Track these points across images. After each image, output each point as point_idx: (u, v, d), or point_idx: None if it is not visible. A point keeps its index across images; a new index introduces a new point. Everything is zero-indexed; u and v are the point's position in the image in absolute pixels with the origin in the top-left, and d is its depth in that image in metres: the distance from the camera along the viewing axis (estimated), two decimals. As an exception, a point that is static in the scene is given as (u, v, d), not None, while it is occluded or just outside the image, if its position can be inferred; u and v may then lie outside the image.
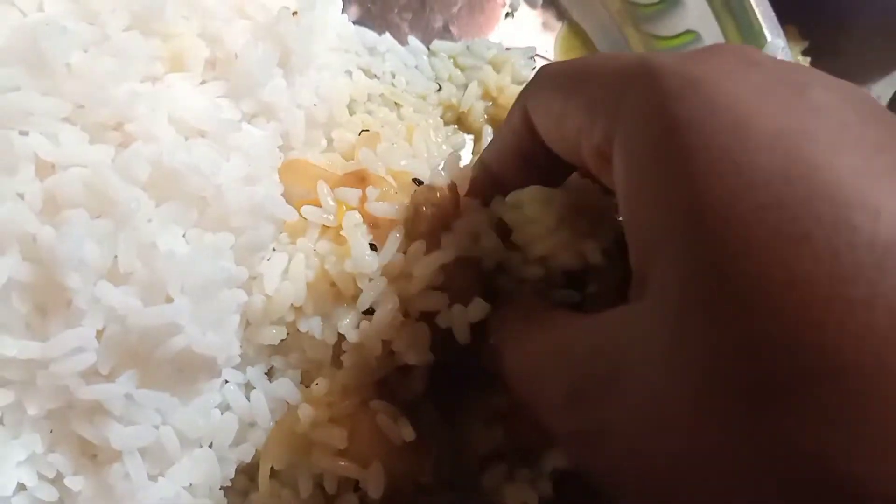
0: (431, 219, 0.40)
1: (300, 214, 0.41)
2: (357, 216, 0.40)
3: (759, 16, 0.59)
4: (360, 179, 0.41)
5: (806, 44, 0.74)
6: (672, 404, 0.25)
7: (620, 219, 0.36)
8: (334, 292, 0.40)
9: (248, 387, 0.42)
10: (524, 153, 0.39)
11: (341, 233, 0.40)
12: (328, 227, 0.41)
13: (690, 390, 0.25)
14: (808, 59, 0.73)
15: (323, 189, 0.41)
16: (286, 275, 0.40)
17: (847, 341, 0.22)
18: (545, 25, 0.67)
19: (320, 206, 0.41)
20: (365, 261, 0.39)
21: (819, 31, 0.75)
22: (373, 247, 0.40)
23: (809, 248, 0.23)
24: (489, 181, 0.42)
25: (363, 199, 0.40)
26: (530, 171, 0.40)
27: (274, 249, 0.41)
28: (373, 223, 0.40)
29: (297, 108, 0.45)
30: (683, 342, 0.25)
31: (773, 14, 0.59)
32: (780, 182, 0.24)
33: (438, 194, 0.41)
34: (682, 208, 0.26)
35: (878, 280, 0.22)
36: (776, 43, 0.58)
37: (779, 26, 0.59)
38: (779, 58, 0.56)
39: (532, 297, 0.39)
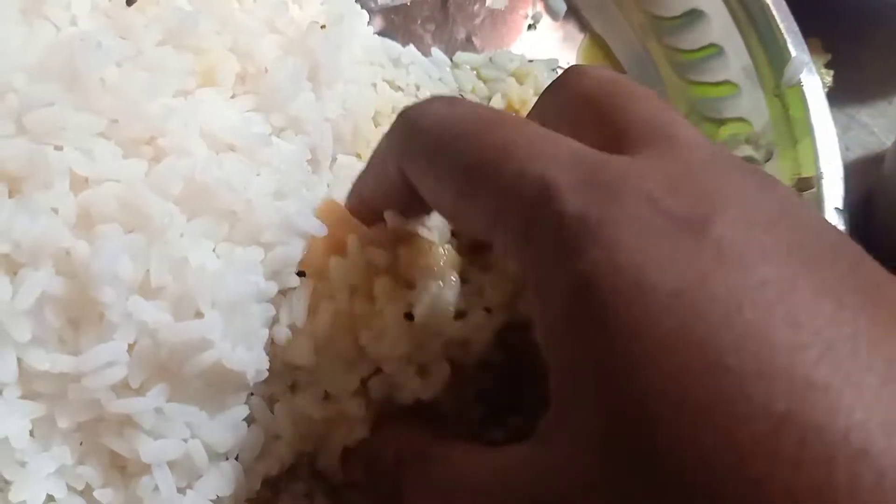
0: None
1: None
2: (387, 282, 0.39)
3: (783, 30, 0.59)
4: (392, 242, 0.39)
5: (829, 57, 0.74)
6: None
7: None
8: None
9: (273, 399, 0.42)
10: (405, 196, 0.35)
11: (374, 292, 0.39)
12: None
13: None
14: (832, 71, 0.73)
15: (353, 245, 0.39)
16: (312, 320, 0.40)
17: None
18: (567, 37, 0.67)
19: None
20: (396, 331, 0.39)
21: (842, 43, 0.75)
22: (409, 316, 0.38)
23: (709, 420, 0.23)
24: (367, 210, 0.40)
25: (395, 261, 0.39)
26: (415, 207, 0.37)
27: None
28: (407, 284, 0.39)
29: (324, 122, 0.45)
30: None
31: (797, 29, 0.59)
32: (680, 352, 0.23)
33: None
34: (592, 372, 0.26)
35: (773, 455, 0.22)
36: (801, 58, 0.58)
37: (803, 41, 0.59)
38: (802, 76, 0.56)
39: (423, 431, 0.37)
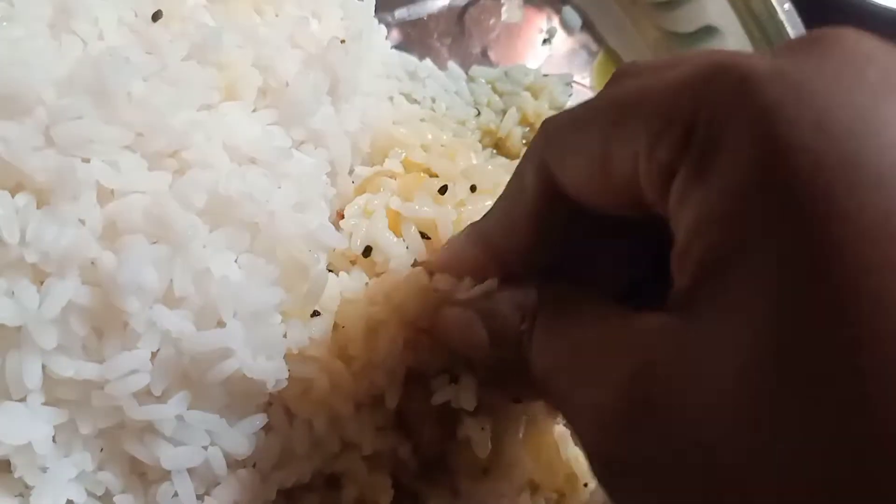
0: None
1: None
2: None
3: (797, 46, 0.59)
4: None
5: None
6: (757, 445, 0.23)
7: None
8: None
9: (289, 412, 0.43)
10: (542, 216, 0.34)
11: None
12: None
13: (788, 451, 0.22)
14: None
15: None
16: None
17: None
18: (582, 52, 0.68)
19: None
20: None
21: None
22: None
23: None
24: (490, 257, 0.37)
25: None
26: (546, 239, 0.35)
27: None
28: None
29: (343, 136, 0.46)
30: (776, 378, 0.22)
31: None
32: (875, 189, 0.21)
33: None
34: (767, 212, 0.23)
35: None
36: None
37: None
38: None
39: (564, 283, 0.35)
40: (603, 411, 0.27)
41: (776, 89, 0.24)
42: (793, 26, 0.60)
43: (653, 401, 0.26)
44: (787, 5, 0.61)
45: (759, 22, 0.61)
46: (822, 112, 0.23)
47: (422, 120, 0.57)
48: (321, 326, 0.41)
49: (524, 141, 0.59)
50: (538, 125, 0.61)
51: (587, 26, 0.69)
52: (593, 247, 0.35)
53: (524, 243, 0.36)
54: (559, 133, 0.33)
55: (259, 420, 0.40)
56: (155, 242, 0.37)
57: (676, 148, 0.26)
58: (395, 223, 0.46)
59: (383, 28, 0.57)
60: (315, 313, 0.40)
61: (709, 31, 0.63)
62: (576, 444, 0.46)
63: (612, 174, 0.30)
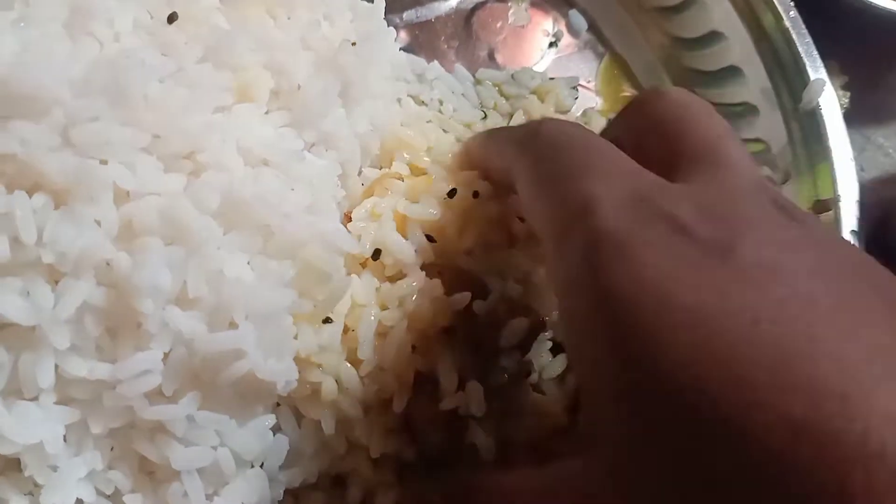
0: None
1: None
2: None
3: (801, 54, 0.59)
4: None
5: (846, 78, 0.74)
6: None
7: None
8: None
9: (297, 413, 0.43)
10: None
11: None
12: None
13: None
14: (849, 93, 0.74)
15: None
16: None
17: None
18: (588, 55, 0.68)
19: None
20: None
21: (858, 65, 0.76)
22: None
23: (729, 431, 0.24)
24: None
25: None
26: None
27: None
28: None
29: (354, 138, 0.46)
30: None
31: (815, 52, 0.60)
32: (698, 365, 0.25)
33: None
34: (616, 383, 0.27)
35: (791, 462, 0.23)
36: (819, 82, 0.58)
37: (822, 64, 0.60)
38: (820, 99, 0.57)
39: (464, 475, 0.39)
40: None
41: (610, 250, 0.29)
42: (797, 33, 0.60)
43: None
44: (792, 13, 0.61)
45: (763, 28, 0.61)
46: (638, 273, 0.28)
47: (428, 121, 0.57)
48: (332, 333, 0.41)
49: (530, 144, 0.59)
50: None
51: (593, 29, 0.69)
52: None
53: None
54: (529, 155, 0.38)
55: (268, 421, 0.40)
56: (170, 244, 0.37)
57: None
58: (402, 226, 0.46)
59: (392, 30, 0.57)
60: (327, 320, 0.41)
61: (714, 35, 0.64)
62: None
63: (531, 222, 0.38)
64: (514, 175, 0.39)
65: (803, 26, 0.61)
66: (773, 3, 0.61)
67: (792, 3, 0.62)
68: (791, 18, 0.61)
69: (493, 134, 0.47)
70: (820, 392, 0.23)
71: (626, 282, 0.27)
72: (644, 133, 0.36)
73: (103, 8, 0.40)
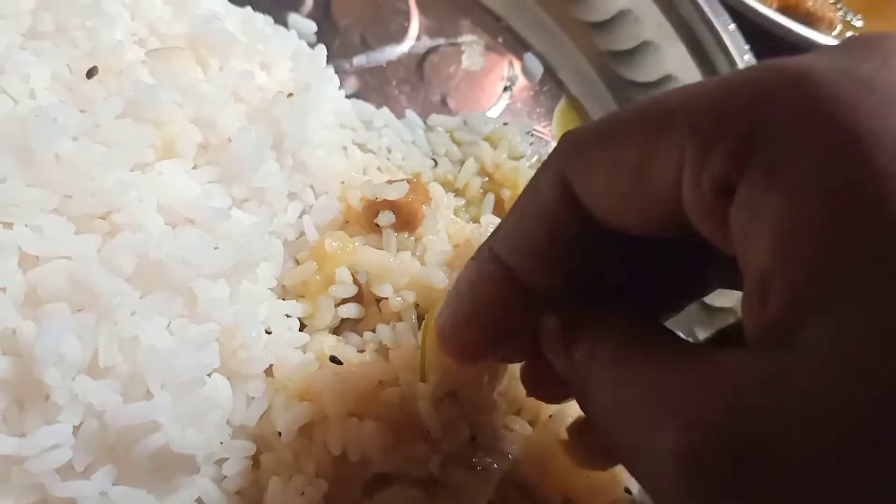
0: None
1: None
2: None
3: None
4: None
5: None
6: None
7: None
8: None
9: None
10: (559, 234, 0.31)
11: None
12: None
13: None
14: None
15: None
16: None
17: None
18: (544, 99, 0.67)
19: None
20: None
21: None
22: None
23: None
24: (504, 279, 0.33)
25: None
26: (565, 260, 0.32)
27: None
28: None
29: (289, 192, 0.45)
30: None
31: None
32: None
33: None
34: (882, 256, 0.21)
35: None
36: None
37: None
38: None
39: (627, 318, 0.31)
40: (691, 459, 0.24)
41: (844, 87, 0.23)
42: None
43: (756, 444, 0.23)
44: (746, 56, 0.61)
45: (718, 72, 0.61)
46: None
47: (378, 169, 0.56)
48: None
49: (482, 191, 0.58)
50: (496, 175, 0.61)
51: (549, 74, 0.68)
52: (611, 264, 0.32)
53: (540, 261, 0.32)
54: (584, 146, 0.30)
55: (190, 494, 0.38)
56: (80, 310, 0.35)
57: (734, 159, 0.24)
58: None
59: (336, 78, 0.56)
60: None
61: (668, 79, 0.63)
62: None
63: (648, 192, 0.28)
64: (578, 178, 0.30)
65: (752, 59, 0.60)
66: (727, 46, 0.61)
67: (747, 47, 0.61)
68: (745, 62, 0.60)
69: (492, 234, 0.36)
70: None
71: (889, 118, 0.22)
72: None
73: (20, 63, 0.38)
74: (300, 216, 0.47)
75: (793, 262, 0.23)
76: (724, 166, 0.24)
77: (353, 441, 0.39)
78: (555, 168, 0.31)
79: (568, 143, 0.31)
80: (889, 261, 0.21)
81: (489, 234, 0.35)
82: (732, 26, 0.62)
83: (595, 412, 0.30)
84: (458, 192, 0.58)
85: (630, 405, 0.28)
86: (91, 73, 0.39)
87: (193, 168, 0.42)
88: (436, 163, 0.58)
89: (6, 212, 0.34)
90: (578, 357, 0.31)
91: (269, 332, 0.41)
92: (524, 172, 0.57)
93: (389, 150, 0.57)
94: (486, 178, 0.59)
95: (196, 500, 0.39)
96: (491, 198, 0.57)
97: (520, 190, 0.34)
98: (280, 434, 0.40)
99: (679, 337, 0.30)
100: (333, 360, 0.42)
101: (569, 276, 0.32)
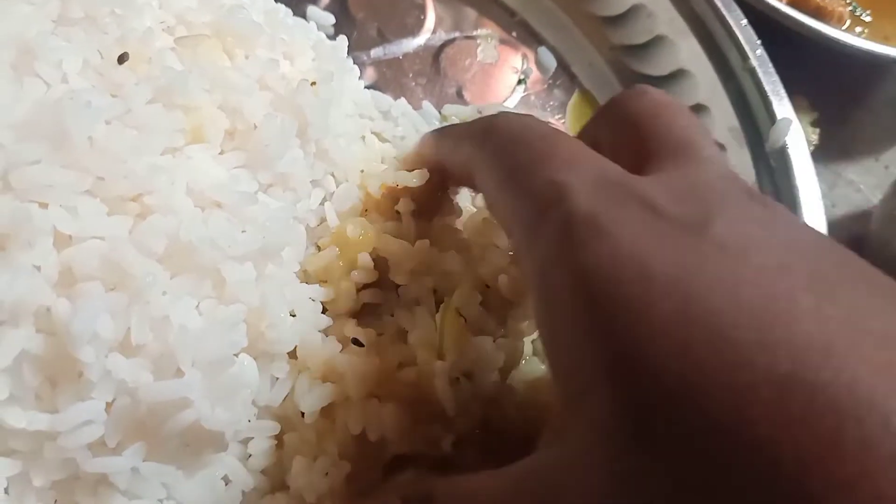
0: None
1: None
2: None
3: (768, 93, 0.60)
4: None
5: (815, 115, 0.75)
6: None
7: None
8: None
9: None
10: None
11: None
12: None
13: None
14: (818, 130, 0.74)
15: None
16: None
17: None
18: (557, 93, 0.68)
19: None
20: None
21: (828, 101, 0.76)
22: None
23: (716, 392, 0.23)
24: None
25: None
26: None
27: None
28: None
29: (311, 178, 0.46)
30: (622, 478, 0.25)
31: (782, 90, 0.60)
32: (681, 330, 0.24)
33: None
34: (597, 362, 0.26)
35: (782, 416, 0.22)
36: (785, 120, 0.58)
37: (789, 103, 0.60)
38: (787, 138, 0.57)
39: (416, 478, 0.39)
40: None
41: (585, 229, 0.29)
42: (764, 72, 0.60)
43: None
44: (759, 51, 0.62)
45: (730, 66, 0.62)
46: (616, 249, 0.28)
47: (396, 158, 0.56)
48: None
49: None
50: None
51: (562, 67, 0.69)
52: None
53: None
54: (489, 148, 0.38)
55: (218, 471, 0.39)
56: (112, 289, 0.36)
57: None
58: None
59: (356, 68, 0.57)
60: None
61: (681, 74, 0.64)
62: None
63: (495, 215, 0.39)
64: (473, 170, 0.39)
65: (770, 64, 0.61)
66: (740, 41, 0.61)
67: (759, 42, 0.62)
68: (758, 57, 0.61)
69: (446, 131, 0.47)
70: (804, 347, 0.23)
71: (604, 258, 0.27)
72: (620, 128, 0.36)
73: (51, 48, 0.39)
74: (321, 203, 0.47)
75: (556, 369, 0.30)
76: (515, 255, 0.37)
77: (372, 421, 0.40)
78: (469, 145, 0.40)
79: (490, 138, 0.38)
80: (609, 360, 0.26)
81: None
82: (745, 21, 0.63)
83: None
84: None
85: None
86: (122, 59, 0.40)
87: (220, 153, 0.42)
88: (452, 153, 0.59)
89: (41, 193, 0.35)
90: None
91: (293, 315, 0.42)
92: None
93: (403, 139, 0.58)
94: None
95: (223, 478, 0.40)
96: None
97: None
98: (303, 414, 0.41)
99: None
100: (356, 342, 0.43)
101: None
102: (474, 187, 0.43)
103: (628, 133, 0.36)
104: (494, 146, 0.37)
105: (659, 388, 0.24)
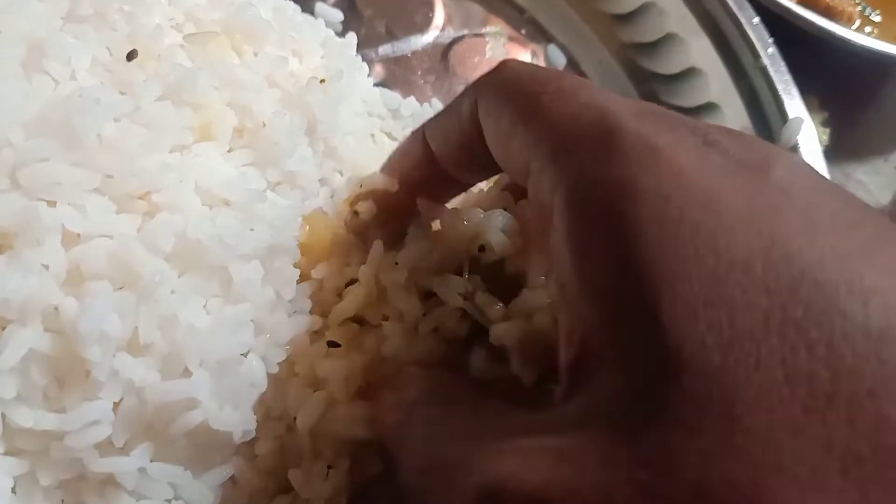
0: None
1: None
2: None
3: (780, 91, 0.59)
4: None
5: (826, 114, 0.74)
6: None
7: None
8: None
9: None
10: (471, 150, 0.37)
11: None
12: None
13: None
14: (829, 129, 0.73)
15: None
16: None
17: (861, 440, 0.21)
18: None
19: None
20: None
21: (839, 101, 0.75)
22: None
23: (803, 339, 0.22)
24: (427, 160, 0.40)
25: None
26: (476, 169, 0.39)
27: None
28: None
29: (320, 177, 0.45)
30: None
31: (794, 89, 0.60)
32: (762, 266, 0.23)
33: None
34: (652, 282, 0.24)
35: (879, 371, 0.21)
36: (797, 119, 0.58)
37: (801, 102, 0.59)
38: (799, 137, 0.57)
39: (445, 373, 0.36)
40: None
41: (638, 147, 0.26)
42: (776, 70, 0.60)
43: None
44: (770, 49, 0.61)
45: (742, 65, 0.61)
46: (677, 171, 0.25)
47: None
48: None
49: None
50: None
51: (571, 64, 0.69)
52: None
53: (456, 162, 0.39)
54: (497, 84, 0.34)
55: (225, 472, 0.39)
56: (121, 288, 0.36)
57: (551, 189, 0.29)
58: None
59: (365, 66, 0.56)
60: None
61: (693, 72, 0.64)
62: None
63: (511, 160, 0.33)
64: (481, 116, 0.35)
65: (782, 63, 0.60)
66: (752, 40, 0.61)
67: (771, 41, 0.62)
68: (769, 56, 0.61)
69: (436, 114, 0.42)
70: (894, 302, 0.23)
71: (664, 180, 0.25)
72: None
73: (61, 46, 0.39)
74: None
75: (576, 302, 0.27)
76: (545, 189, 0.29)
77: (361, 422, 0.39)
78: (475, 88, 0.36)
79: (494, 71, 0.35)
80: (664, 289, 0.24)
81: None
82: (756, 19, 0.62)
83: (406, 473, 0.31)
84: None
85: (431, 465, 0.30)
86: (131, 56, 0.40)
87: (229, 151, 0.42)
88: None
89: (50, 191, 0.35)
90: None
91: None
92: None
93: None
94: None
95: (230, 479, 0.40)
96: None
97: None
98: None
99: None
100: (331, 343, 0.42)
101: (477, 173, 0.40)
102: (466, 168, 0.39)
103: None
104: (508, 83, 0.33)
105: (746, 318, 0.23)
